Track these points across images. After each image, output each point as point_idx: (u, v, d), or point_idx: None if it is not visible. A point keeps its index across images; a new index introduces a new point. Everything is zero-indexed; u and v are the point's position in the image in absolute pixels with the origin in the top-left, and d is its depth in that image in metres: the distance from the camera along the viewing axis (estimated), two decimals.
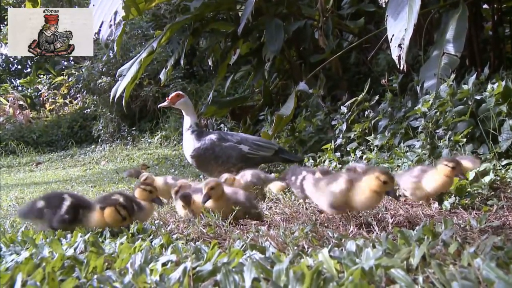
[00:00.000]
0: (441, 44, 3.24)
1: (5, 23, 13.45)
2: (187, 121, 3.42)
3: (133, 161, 7.67)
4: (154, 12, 9.08)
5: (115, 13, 3.98)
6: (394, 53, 2.67)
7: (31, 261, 1.12)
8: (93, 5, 4.33)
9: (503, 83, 2.43)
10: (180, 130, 8.84)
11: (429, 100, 2.77)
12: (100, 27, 4.23)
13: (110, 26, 4.13)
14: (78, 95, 12.73)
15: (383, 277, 0.90)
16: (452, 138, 2.54)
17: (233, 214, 1.71)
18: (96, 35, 4.62)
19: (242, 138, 3.44)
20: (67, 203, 1.70)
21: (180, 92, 3.46)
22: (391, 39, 2.72)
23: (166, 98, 3.44)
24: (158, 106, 3.65)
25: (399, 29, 2.68)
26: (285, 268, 0.92)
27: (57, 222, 1.67)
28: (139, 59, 4.76)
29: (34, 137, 12.12)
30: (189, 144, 3.39)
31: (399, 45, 2.64)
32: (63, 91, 13.37)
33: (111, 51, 9.80)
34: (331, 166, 3.22)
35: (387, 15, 2.85)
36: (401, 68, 2.63)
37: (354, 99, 3.67)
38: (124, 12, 3.97)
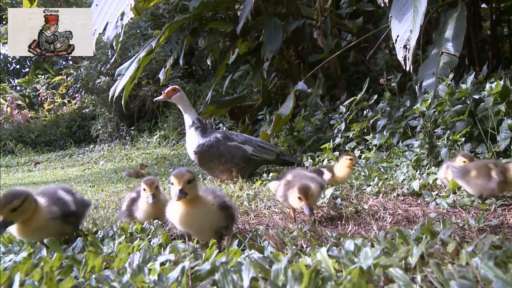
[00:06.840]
0: (440, 43, 3.24)
1: (3, 23, 13.41)
2: (188, 118, 3.39)
3: (132, 160, 7.66)
4: (153, 12, 9.06)
5: (122, 14, 3.91)
6: (400, 54, 2.65)
7: (29, 260, 1.12)
8: (96, 5, 4.27)
9: (502, 82, 2.43)
10: (178, 130, 8.83)
11: (427, 100, 2.77)
12: (105, 28, 4.16)
13: (116, 27, 4.07)
14: (76, 95, 12.72)
15: (381, 276, 0.90)
16: (450, 137, 2.55)
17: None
18: (102, 36, 4.55)
19: (246, 138, 3.43)
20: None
21: (176, 87, 3.43)
22: (396, 40, 2.70)
23: (162, 92, 3.42)
24: (154, 100, 3.62)
25: (404, 30, 2.66)
26: (284, 267, 0.92)
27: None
28: (137, 58, 4.75)
29: (32, 137, 12.11)
30: (193, 140, 3.34)
31: (405, 46, 2.63)
32: (62, 91, 13.36)
33: (109, 50, 9.79)
34: None
35: (390, 16, 2.83)
36: (408, 69, 2.62)
37: (352, 98, 3.67)
38: (133, 14, 3.90)
